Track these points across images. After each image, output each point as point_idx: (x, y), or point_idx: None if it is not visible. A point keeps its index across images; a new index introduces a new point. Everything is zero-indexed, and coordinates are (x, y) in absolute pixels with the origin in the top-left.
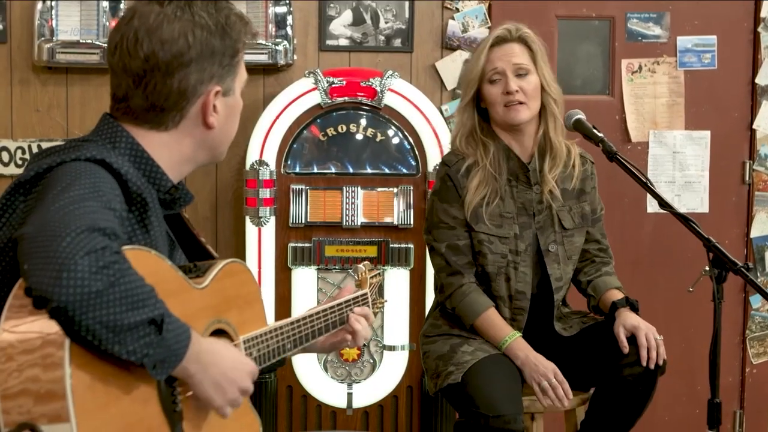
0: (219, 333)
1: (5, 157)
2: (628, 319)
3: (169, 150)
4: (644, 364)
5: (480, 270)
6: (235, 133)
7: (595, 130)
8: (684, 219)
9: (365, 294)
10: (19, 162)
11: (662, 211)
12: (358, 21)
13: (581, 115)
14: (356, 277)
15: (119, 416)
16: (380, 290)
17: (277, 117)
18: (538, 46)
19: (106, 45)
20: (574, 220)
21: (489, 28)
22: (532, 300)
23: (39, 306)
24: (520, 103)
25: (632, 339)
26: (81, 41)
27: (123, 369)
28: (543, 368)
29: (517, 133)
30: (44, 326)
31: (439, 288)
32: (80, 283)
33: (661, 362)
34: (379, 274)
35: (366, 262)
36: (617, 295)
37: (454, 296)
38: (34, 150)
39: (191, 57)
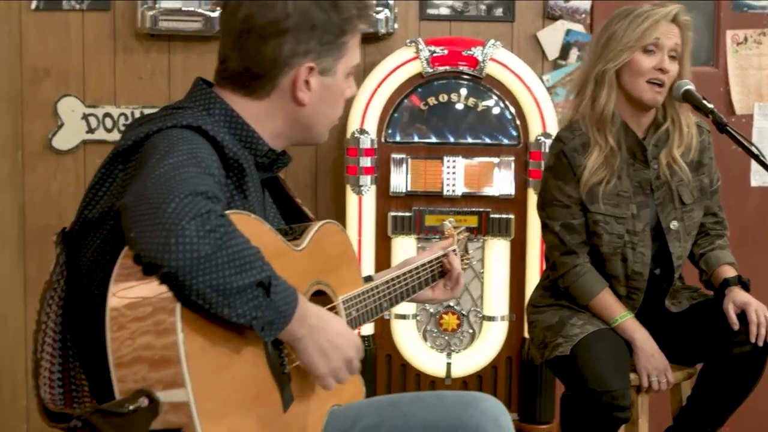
0: (319, 294)
1: (108, 123)
2: (738, 296)
3: (262, 121)
4: (753, 340)
5: (593, 248)
6: (337, 116)
7: (704, 101)
8: None
9: (453, 251)
10: (122, 128)
11: (767, 185)
12: None
13: (691, 86)
14: (443, 233)
15: (231, 379)
16: (465, 247)
17: (378, 86)
18: (690, 36)
19: (209, 12)
20: (692, 194)
21: None
22: (648, 278)
23: (149, 272)
24: (661, 84)
25: (742, 316)
26: (183, 9)
27: (232, 332)
28: (660, 363)
29: (640, 111)
30: (154, 293)
31: (551, 265)
32: (189, 247)
33: None
34: (465, 230)
35: (451, 219)
36: (729, 271)
37: (568, 276)
38: (137, 117)
39: (288, 26)
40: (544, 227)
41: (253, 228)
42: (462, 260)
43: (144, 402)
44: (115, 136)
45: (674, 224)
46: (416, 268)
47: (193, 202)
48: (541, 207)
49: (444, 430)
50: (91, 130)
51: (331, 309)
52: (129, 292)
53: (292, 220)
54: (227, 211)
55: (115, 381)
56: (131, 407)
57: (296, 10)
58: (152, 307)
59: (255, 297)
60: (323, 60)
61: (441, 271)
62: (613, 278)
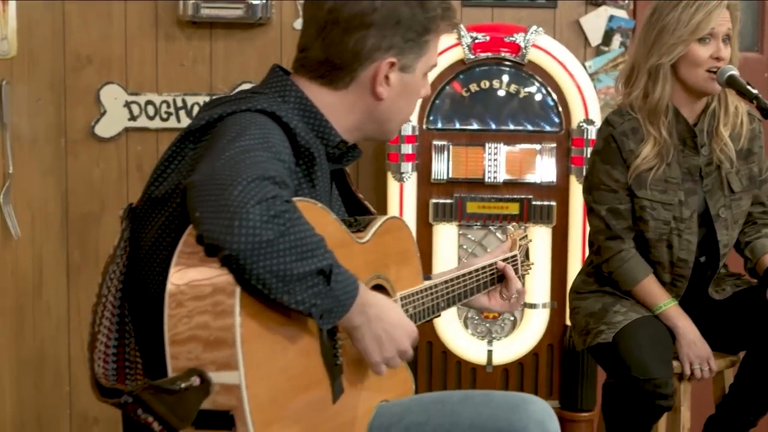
0: (377, 288)
1: (151, 110)
2: None
3: (337, 112)
4: None
5: (639, 234)
6: (410, 114)
7: (749, 87)
8: None
9: (515, 256)
10: (164, 116)
11: None
12: None
13: (734, 71)
14: (505, 238)
15: (283, 367)
16: (527, 254)
17: None
18: (738, 16)
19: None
20: (742, 182)
21: None
22: (693, 266)
23: (210, 254)
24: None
25: None
26: None
27: (289, 320)
28: (702, 351)
29: (697, 97)
30: (215, 273)
31: (595, 250)
32: (252, 231)
33: None
34: (527, 236)
35: (514, 224)
36: None
37: (612, 261)
38: (179, 104)
39: (373, 20)
40: (590, 211)
41: (319, 217)
42: (522, 265)
43: (196, 381)
44: (157, 123)
45: (722, 212)
46: (476, 270)
47: (259, 187)
48: (588, 191)
49: (490, 430)
50: (133, 118)
51: None
52: (190, 271)
53: (353, 214)
54: (294, 198)
55: (168, 357)
56: (183, 385)
57: (383, 5)
58: (212, 288)
59: (315, 284)
60: (405, 56)
61: (500, 276)
62: (657, 264)
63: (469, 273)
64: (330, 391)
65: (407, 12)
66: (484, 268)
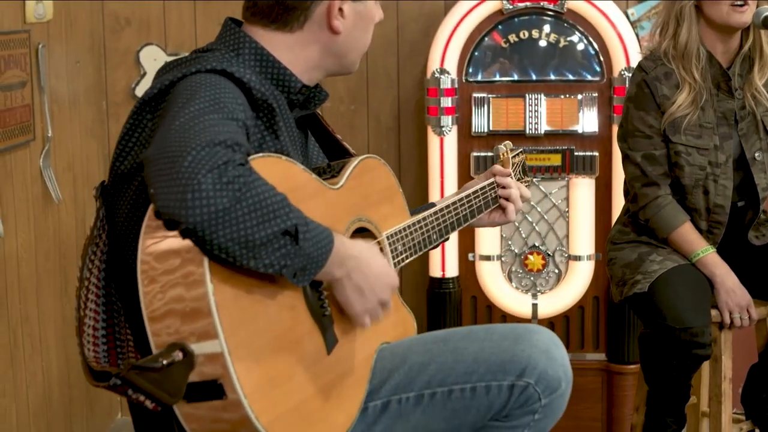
0: (361, 231)
1: None
2: None
3: (295, 54)
4: None
5: (675, 181)
6: (368, 43)
7: None
8: None
9: (509, 174)
10: None
11: None
12: None
13: None
14: (498, 157)
15: (268, 326)
16: (524, 169)
17: (458, 24)
18: None
19: None
20: None
21: None
22: (732, 211)
23: (170, 228)
24: (745, 3)
25: None
26: None
27: (265, 279)
28: (741, 299)
29: (726, 36)
30: (182, 245)
31: (631, 197)
32: (206, 202)
33: None
34: (521, 152)
35: (507, 141)
36: None
37: (649, 208)
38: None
39: None
40: (625, 158)
41: (285, 170)
42: (521, 183)
43: (178, 356)
44: None
45: (758, 155)
46: (467, 196)
47: (210, 154)
48: (622, 138)
49: (494, 364)
50: None
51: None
52: (158, 245)
53: (335, 157)
54: (257, 155)
55: (150, 335)
56: (165, 362)
57: None
58: (181, 259)
59: (282, 246)
60: None
61: (496, 197)
62: (694, 212)
63: (460, 200)
64: (323, 343)
65: None
66: (476, 192)
